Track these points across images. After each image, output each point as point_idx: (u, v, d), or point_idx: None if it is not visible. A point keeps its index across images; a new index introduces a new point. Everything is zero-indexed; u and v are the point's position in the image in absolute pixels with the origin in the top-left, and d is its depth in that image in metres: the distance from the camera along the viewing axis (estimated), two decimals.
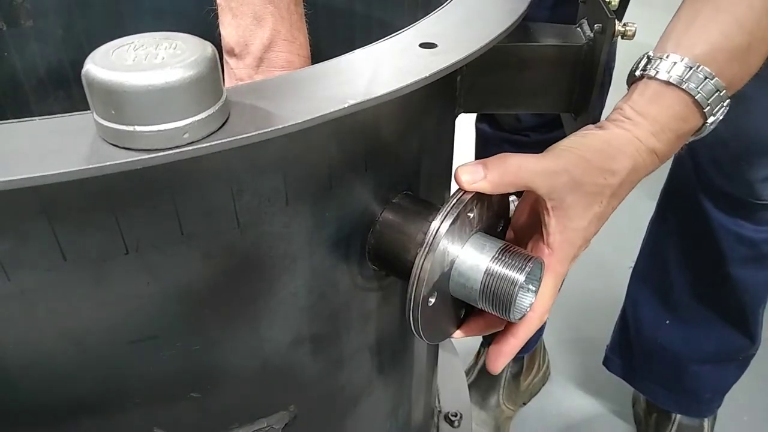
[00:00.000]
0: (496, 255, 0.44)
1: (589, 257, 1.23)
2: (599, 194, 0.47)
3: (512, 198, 0.53)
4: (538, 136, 1.00)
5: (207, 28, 0.84)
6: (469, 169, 0.45)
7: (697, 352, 1.07)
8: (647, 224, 1.11)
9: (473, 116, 0.73)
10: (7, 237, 0.33)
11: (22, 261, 0.34)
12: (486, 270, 0.44)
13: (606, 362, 1.22)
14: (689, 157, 0.92)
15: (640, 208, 1.79)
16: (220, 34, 0.53)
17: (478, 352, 1.30)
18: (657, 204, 1.06)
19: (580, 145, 0.48)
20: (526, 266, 0.43)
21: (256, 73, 0.53)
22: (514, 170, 0.45)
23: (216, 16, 0.53)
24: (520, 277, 0.43)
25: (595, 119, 1.06)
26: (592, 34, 0.55)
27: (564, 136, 0.51)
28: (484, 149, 1.09)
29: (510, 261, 0.44)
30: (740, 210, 0.91)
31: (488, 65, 0.54)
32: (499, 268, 0.44)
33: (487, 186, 0.45)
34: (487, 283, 0.44)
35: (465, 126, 0.75)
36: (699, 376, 1.10)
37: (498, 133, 1.04)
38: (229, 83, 0.55)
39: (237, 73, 0.54)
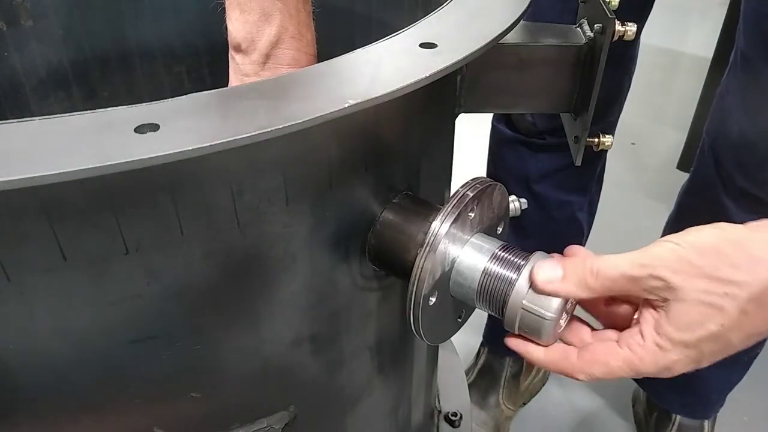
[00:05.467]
0: (494, 255, 0.44)
1: None
2: (718, 309, 0.39)
3: (512, 197, 0.53)
4: (554, 140, 1.00)
5: (206, 27, 0.84)
6: (548, 267, 0.42)
7: None
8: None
9: (483, 116, 0.73)
10: (7, 237, 0.33)
11: (22, 261, 0.34)
12: (483, 270, 0.44)
13: None
14: (712, 158, 0.91)
15: (640, 209, 1.80)
16: (226, 29, 0.53)
17: (478, 352, 1.30)
18: (676, 203, 1.05)
19: (684, 241, 0.41)
20: (523, 266, 0.43)
21: (262, 70, 0.53)
22: (592, 273, 0.41)
23: (223, 11, 0.53)
24: (515, 277, 0.43)
25: (611, 125, 1.06)
26: (592, 34, 0.55)
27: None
28: (499, 149, 1.09)
29: (507, 261, 0.44)
30: (762, 211, 0.90)
31: (488, 65, 0.54)
32: (496, 268, 0.44)
33: (562, 290, 0.42)
34: (484, 283, 0.44)
35: (466, 126, 0.75)
36: (708, 378, 1.10)
37: (514, 135, 1.04)
38: (234, 79, 0.55)
39: (243, 69, 0.54)
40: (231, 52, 0.54)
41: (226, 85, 0.54)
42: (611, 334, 0.46)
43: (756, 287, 0.39)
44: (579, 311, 0.47)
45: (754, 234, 0.40)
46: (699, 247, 0.40)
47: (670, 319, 0.40)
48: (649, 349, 0.42)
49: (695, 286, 0.39)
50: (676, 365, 0.42)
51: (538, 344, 0.45)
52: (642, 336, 0.42)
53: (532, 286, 0.43)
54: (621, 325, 0.46)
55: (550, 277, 0.42)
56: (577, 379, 0.44)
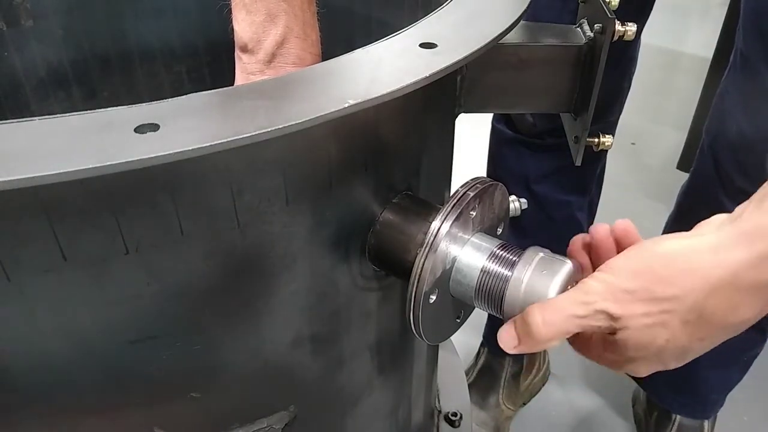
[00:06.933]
0: (492, 253, 0.44)
1: None
2: (661, 326, 0.41)
3: (512, 197, 0.53)
4: (554, 140, 1.00)
5: (206, 27, 0.84)
6: (506, 335, 0.43)
7: (708, 354, 1.07)
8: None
9: (483, 116, 0.73)
10: (7, 237, 0.33)
11: (22, 261, 0.34)
12: (482, 268, 0.44)
13: None
14: (711, 158, 0.91)
15: (640, 209, 1.80)
16: (232, 30, 0.54)
17: (478, 352, 1.30)
18: (676, 203, 1.05)
19: (615, 268, 0.42)
20: (517, 262, 0.43)
21: (267, 69, 0.54)
22: (540, 326, 0.42)
23: (225, 11, 0.54)
24: (511, 274, 0.43)
25: (612, 125, 1.05)
26: (592, 34, 0.55)
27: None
28: (498, 149, 1.09)
29: (505, 259, 0.44)
30: None
31: (488, 65, 0.54)
32: (493, 266, 0.44)
33: (526, 351, 0.43)
34: (482, 281, 0.44)
35: (466, 126, 0.75)
36: (708, 378, 1.09)
37: (514, 135, 1.04)
38: (240, 78, 0.56)
39: (248, 68, 0.55)
40: (237, 52, 0.55)
41: (228, 85, 0.55)
42: None
43: (691, 298, 0.40)
44: None
45: (685, 242, 0.41)
46: (629, 270, 0.41)
47: (621, 344, 0.42)
48: (607, 358, 0.45)
49: (635, 312, 0.40)
50: (637, 367, 0.44)
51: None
52: (602, 348, 0.45)
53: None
54: None
55: (509, 346, 0.44)
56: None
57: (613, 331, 0.42)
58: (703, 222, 0.43)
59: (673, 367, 0.44)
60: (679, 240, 0.42)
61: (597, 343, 0.46)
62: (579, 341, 0.48)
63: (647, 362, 0.43)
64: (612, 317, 0.41)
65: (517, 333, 0.43)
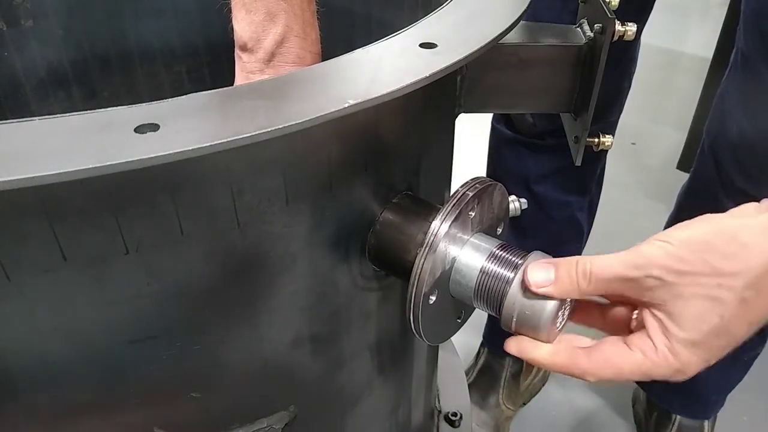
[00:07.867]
0: (492, 254, 0.44)
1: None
2: (716, 301, 0.39)
3: (512, 197, 0.53)
4: (554, 141, 1.00)
5: (206, 27, 0.84)
6: (540, 270, 0.42)
7: None
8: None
9: (483, 116, 0.73)
10: (7, 237, 0.33)
11: (22, 261, 0.34)
12: (481, 269, 0.44)
13: None
14: (711, 158, 0.91)
15: (640, 209, 1.80)
16: (232, 29, 0.54)
17: (478, 352, 1.30)
18: (676, 204, 1.05)
19: (674, 238, 0.41)
20: (520, 264, 0.43)
21: (267, 68, 0.54)
22: (585, 276, 0.41)
23: (225, 11, 0.54)
24: (512, 275, 0.43)
25: (612, 125, 1.05)
26: (592, 34, 0.55)
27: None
28: (498, 149, 1.09)
29: (504, 260, 0.44)
30: None
31: (488, 65, 0.54)
32: (493, 267, 0.44)
33: (555, 293, 0.42)
34: (481, 282, 0.44)
35: (466, 126, 0.75)
36: (708, 379, 1.09)
37: (514, 135, 1.04)
38: (240, 77, 0.56)
39: (248, 67, 0.55)
40: (237, 51, 0.55)
41: (228, 85, 0.55)
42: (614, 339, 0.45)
43: (751, 274, 0.39)
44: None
45: (741, 221, 0.41)
46: (690, 242, 0.40)
47: (674, 319, 0.41)
48: (662, 354, 0.41)
49: (690, 282, 0.39)
50: (689, 367, 0.42)
51: (539, 343, 0.45)
52: (653, 342, 0.42)
53: (524, 287, 0.43)
54: (619, 328, 0.46)
55: (542, 280, 0.42)
56: (585, 380, 0.45)
57: (660, 303, 0.41)
58: (733, 209, 0.42)
59: (715, 360, 0.42)
60: (731, 219, 0.41)
61: (621, 318, 0.45)
62: (602, 319, 0.47)
63: (697, 348, 0.41)
64: (665, 285, 0.40)
65: (558, 274, 0.42)
